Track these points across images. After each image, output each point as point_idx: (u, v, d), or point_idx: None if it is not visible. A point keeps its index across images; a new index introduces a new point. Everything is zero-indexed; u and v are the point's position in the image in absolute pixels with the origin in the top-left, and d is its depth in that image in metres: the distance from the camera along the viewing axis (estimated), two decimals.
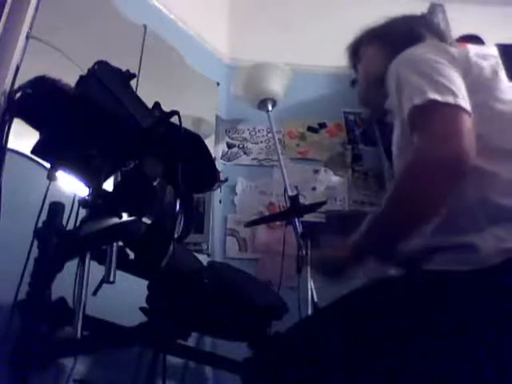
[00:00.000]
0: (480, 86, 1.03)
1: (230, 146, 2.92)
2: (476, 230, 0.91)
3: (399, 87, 1.04)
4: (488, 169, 0.94)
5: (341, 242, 1.07)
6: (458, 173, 0.91)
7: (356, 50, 1.39)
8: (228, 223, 2.69)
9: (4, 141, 1.14)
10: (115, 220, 1.16)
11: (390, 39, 1.28)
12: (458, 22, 2.79)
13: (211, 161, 1.39)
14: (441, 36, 1.29)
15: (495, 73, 1.08)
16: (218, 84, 2.95)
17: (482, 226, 0.91)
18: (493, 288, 0.86)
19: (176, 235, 1.18)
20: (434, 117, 0.95)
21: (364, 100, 1.40)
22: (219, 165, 2.76)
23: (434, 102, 0.95)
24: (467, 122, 0.93)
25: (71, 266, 1.21)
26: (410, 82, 1.01)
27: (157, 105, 1.20)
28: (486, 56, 1.10)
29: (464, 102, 0.95)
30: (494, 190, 0.94)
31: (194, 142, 1.26)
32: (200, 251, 2.36)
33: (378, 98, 1.22)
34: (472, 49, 1.10)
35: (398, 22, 1.33)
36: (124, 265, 1.28)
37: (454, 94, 0.96)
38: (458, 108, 0.94)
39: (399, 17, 1.35)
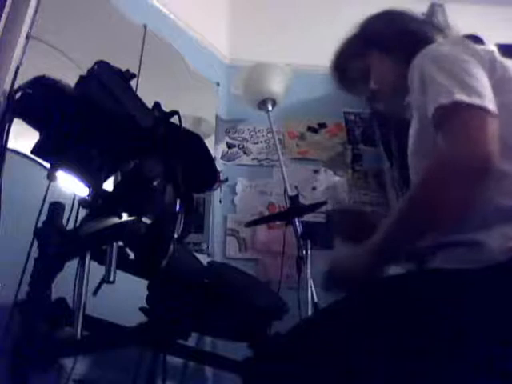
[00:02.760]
0: (503, 86, 1.01)
1: (229, 146, 2.92)
2: (483, 228, 0.91)
3: (424, 85, 1.01)
4: (502, 168, 0.93)
5: (351, 248, 1.05)
6: (482, 176, 0.89)
7: (345, 68, 1.33)
8: (228, 223, 2.69)
9: (4, 141, 1.13)
10: (115, 220, 1.16)
11: (388, 46, 1.25)
12: (458, 22, 2.79)
13: (211, 161, 1.39)
14: (440, 27, 1.27)
15: None
16: (218, 84, 2.95)
17: (490, 224, 0.91)
18: (499, 286, 0.86)
19: (176, 235, 1.18)
20: (460, 118, 0.93)
21: (392, 110, 1.35)
22: (219, 165, 2.76)
23: (461, 103, 0.92)
24: (493, 125, 0.91)
25: (71, 266, 1.21)
26: (436, 80, 0.98)
27: (157, 105, 1.20)
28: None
29: (491, 103, 0.94)
30: (505, 189, 0.93)
31: (194, 141, 1.26)
32: (200, 251, 2.37)
33: (402, 104, 1.19)
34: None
35: (382, 26, 1.28)
36: (124, 265, 1.28)
37: (480, 95, 0.94)
38: (485, 110, 0.92)
39: (377, 19, 1.30)
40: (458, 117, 0.93)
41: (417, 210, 0.95)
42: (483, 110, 0.92)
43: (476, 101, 0.93)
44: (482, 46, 1.08)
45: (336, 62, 1.36)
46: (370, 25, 1.31)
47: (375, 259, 0.99)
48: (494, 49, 1.09)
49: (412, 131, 1.12)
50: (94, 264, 1.22)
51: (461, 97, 0.93)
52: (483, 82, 0.97)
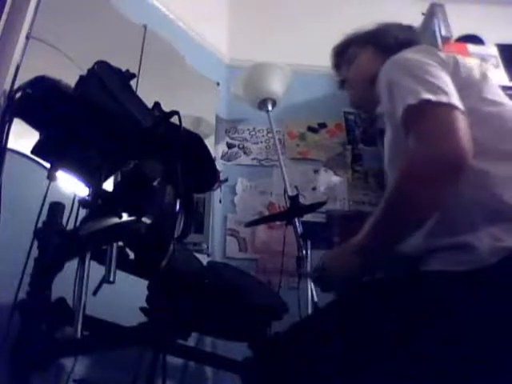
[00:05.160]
0: (469, 87, 1.03)
1: (229, 146, 2.92)
2: (472, 230, 0.91)
3: (391, 91, 1.04)
4: (482, 169, 0.94)
5: (340, 249, 1.07)
6: (457, 171, 0.91)
7: (343, 52, 1.41)
8: (228, 223, 2.69)
9: (4, 141, 1.13)
10: (115, 220, 1.16)
11: (384, 46, 1.29)
12: (458, 22, 2.79)
13: (211, 161, 1.39)
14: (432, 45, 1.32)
15: (484, 75, 1.08)
16: (218, 84, 2.95)
17: (478, 225, 0.92)
18: (490, 287, 0.87)
19: (176, 235, 1.18)
20: (428, 116, 0.95)
21: (356, 102, 1.41)
22: (219, 165, 2.76)
23: (428, 102, 0.95)
24: (462, 120, 0.93)
25: (71, 266, 1.21)
26: (402, 84, 1.01)
27: (157, 105, 1.20)
28: (484, 56, 1.11)
29: (457, 100, 0.96)
30: (489, 189, 0.94)
31: (194, 141, 1.26)
32: (200, 251, 2.36)
33: (371, 100, 1.22)
34: (460, 54, 1.12)
35: (391, 30, 1.35)
36: (124, 265, 1.28)
37: (446, 93, 0.96)
38: (452, 107, 0.94)
39: (391, 24, 1.37)
40: (426, 115, 0.95)
41: (394, 208, 0.97)
42: (451, 107, 0.94)
43: (443, 98, 0.95)
44: (443, 53, 1.12)
45: (340, 43, 1.45)
46: (382, 25, 1.36)
47: (360, 257, 1.01)
48: (491, 50, 1.12)
49: (386, 140, 1.14)
50: (94, 264, 1.22)
51: (427, 96, 0.95)
52: (448, 82, 1.00)
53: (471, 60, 1.13)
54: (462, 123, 0.93)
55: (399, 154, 1.06)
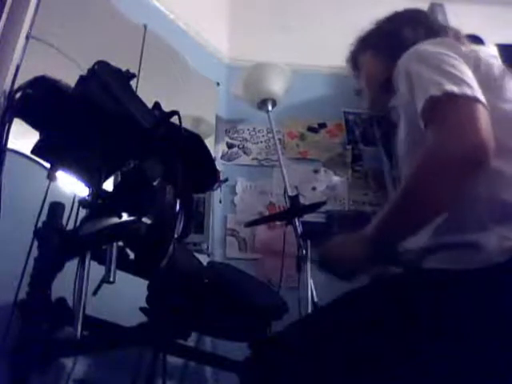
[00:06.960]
0: (488, 84, 1.01)
1: (229, 146, 2.92)
2: (480, 229, 0.91)
3: (410, 82, 1.02)
4: (496, 167, 0.93)
5: (349, 236, 1.06)
6: (478, 167, 0.89)
7: (355, 61, 1.38)
8: (228, 223, 2.69)
9: (4, 141, 1.13)
10: (115, 220, 1.16)
11: (380, 45, 1.27)
12: (458, 22, 2.79)
13: (211, 161, 1.39)
14: (435, 31, 1.27)
15: (504, 72, 1.07)
16: (218, 84, 2.95)
17: (487, 224, 0.91)
18: (496, 287, 0.86)
19: (176, 235, 1.18)
20: (452, 109, 0.93)
21: (373, 107, 1.38)
22: (219, 165, 2.76)
23: (451, 94, 0.93)
24: (485, 115, 0.92)
25: (71, 265, 1.21)
26: (423, 75, 0.99)
27: (157, 105, 1.20)
28: (493, 56, 1.10)
29: (480, 94, 0.94)
30: (500, 188, 0.93)
31: (194, 142, 1.26)
32: (200, 251, 2.36)
33: (386, 102, 1.21)
34: (480, 47, 1.10)
35: (383, 26, 1.32)
36: (124, 265, 1.28)
37: (470, 86, 0.94)
38: (476, 100, 0.93)
39: (384, 19, 1.34)
40: (450, 107, 0.93)
41: (411, 199, 0.95)
42: (475, 100, 0.93)
43: (467, 91, 0.93)
44: (465, 46, 1.09)
45: (350, 54, 1.41)
46: (374, 26, 1.34)
47: (365, 246, 1.00)
48: (486, 48, 1.11)
49: (401, 134, 1.12)
50: (94, 264, 1.22)
51: (451, 88, 0.93)
52: (470, 76, 0.98)
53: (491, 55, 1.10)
54: (485, 118, 0.91)
55: (414, 147, 1.04)
